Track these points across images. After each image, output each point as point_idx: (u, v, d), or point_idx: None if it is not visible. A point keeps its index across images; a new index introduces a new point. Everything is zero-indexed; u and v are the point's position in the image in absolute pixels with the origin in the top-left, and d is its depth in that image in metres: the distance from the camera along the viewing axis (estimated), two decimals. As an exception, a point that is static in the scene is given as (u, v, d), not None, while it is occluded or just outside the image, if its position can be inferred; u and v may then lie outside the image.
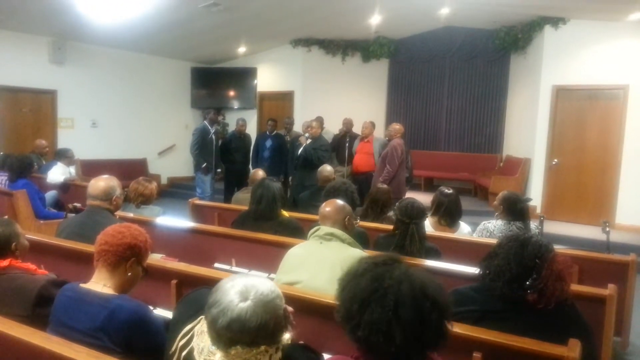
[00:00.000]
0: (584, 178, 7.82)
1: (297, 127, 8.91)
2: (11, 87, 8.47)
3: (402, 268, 1.42)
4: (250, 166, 8.33)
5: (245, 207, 4.09)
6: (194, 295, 1.80)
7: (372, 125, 7.51)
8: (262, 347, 1.43)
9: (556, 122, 7.99)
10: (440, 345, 1.37)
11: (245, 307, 1.39)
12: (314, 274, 2.42)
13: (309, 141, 6.99)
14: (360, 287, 1.39)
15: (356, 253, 2.50)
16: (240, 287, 1.44)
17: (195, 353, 1.49)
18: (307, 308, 2.16)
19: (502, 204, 3.89)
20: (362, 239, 3.34)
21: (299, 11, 8.58)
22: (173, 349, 1.56)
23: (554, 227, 7.08)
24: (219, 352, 1.43)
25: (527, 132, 8.66)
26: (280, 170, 7.89)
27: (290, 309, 1.62)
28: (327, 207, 2.80)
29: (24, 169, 5.58)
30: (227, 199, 7.96)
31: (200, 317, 1.56)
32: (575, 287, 2.56)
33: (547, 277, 1.94)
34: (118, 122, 10.09)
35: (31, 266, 2.36)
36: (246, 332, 1.39)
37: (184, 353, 1.53)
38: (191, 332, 1.55)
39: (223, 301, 1.41)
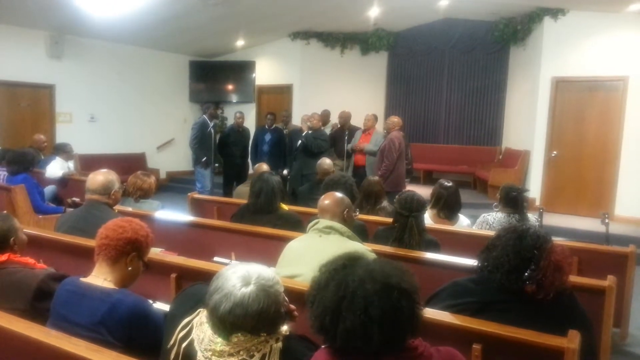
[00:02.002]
0: (583, 170, 7.81)
1: (295, 121, 8.90)
2: (9, 81, 8.44)
3: (363, 265, 1.42)
4: (249, 160, 8.32)
5: (246, 201, 4.09)
6: (190, 290, 1.80)
7: (375, 118, 7.51)
8: (263, 337, 1.46)
9: (555, 114, 7.97)
10: (417, 325, 1.38)
11: (248, 292, 1.43)
12: (314, 267, 2.39)
13: (310, 131, 7.01)
14: (327, 298, 1.37)
15: (355, 246, 2.50)
16: (242, 272, 1.47)
17: (196, 344, 1.50)
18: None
19: (499, 195, 3.92)
20: (361, 231, 3.34)
21: (297, 4, 8.55)
22: (172, 342, 1.57)
23: (553, 219, 7.08)
24: (221, 340, 1.45)
25: (527, 124, 8.65)
26: (279, 164, 7.88)
27: (292, 306, 1.64)
28: (326, 200, 2.79)
29: (25, 164, 5.57)
30: (226, 193, 7.96)
31: (199, 309, 1.57)
32: (575, 279, 2.57)
33: (545, 267, 1.93)
34: (116, 117, 10.07)
35: (30, 260, 2.36)
36: (249, 316, 1.41)
37: (184, 344, 1.54)
38: (190, 325, 1.56)
39: (225, 286, 1.44)
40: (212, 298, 1.45)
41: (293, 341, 1.55)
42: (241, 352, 1.44)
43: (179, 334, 1.56)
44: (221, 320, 1.43)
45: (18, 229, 2.44)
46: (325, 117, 8.09)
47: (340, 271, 1.42)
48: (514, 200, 3.84)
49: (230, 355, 1.44)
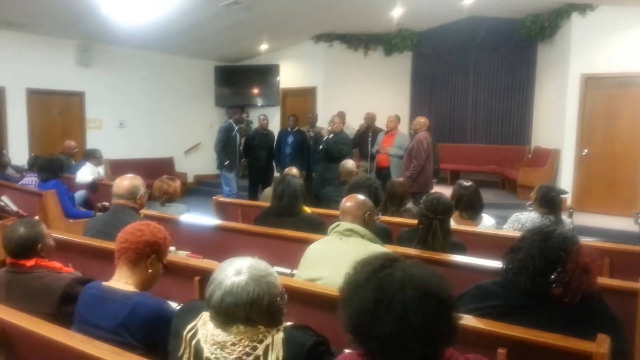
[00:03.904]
0: (615, 168, 7.60)
1: (321, 123, 8.90)
2: (40, 89, 8.66)
3: (402, 268, 1.35)
4: (273, 162, 8.36)
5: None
6: (187, 305, 1.82)
7: (397, 118, 7.45)
8: (262, 328, 1.50)
9: (586, 112, 7.78)
10: (453, 338, 1.33)
11: (238, 281, 1.48)
12: (334, 270, 2.39)
13: (331, 135, 7.01)
14: (365, 300, 1.31)
15: (376, 249, 2.47)
16: (237, 265, 1.53)
17: (202, 342, 1.54)
18: (329, 305, 2.15)
19: (536, 194, 3.83)
20: (385, 234, 3.32)
21: (319, 7, 8.56)
22: (182, 348, 1.59)
23: (584, 219, 6.91)
24: (222, 332, 1.50)
25: (556, 123, 8.45)
26: (302, 166, 7.89)
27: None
28: (347, 203, 2.76)
29: (54, 170, 5.70)
30: (252, 196, 8.01)
31: (202, 313, 1.61)
32: (606, 281, 2.49)
33: (572, 270, 1.88)
34: (144, 122, 10.25)
35: (57, 265, 2.41)
36: (240, 305, 1.46)
37: (193, 342, 1.57)
38: (195, 328, 1.59)
39: (219, 276, 1.51)
40: (208, 289, 1.51)
41: (293, 329, 1.57)
42: (243, 341, 1.48)
43: (187, 335, 1.59)
44: (216, 310, 1.49)
45: (46, 235, 2.48)
46: (342, 118, 8.07)
47: (379, 271, 1.35)
48: (551, 202, 3.75)
49: (233, 344, 1.48)
